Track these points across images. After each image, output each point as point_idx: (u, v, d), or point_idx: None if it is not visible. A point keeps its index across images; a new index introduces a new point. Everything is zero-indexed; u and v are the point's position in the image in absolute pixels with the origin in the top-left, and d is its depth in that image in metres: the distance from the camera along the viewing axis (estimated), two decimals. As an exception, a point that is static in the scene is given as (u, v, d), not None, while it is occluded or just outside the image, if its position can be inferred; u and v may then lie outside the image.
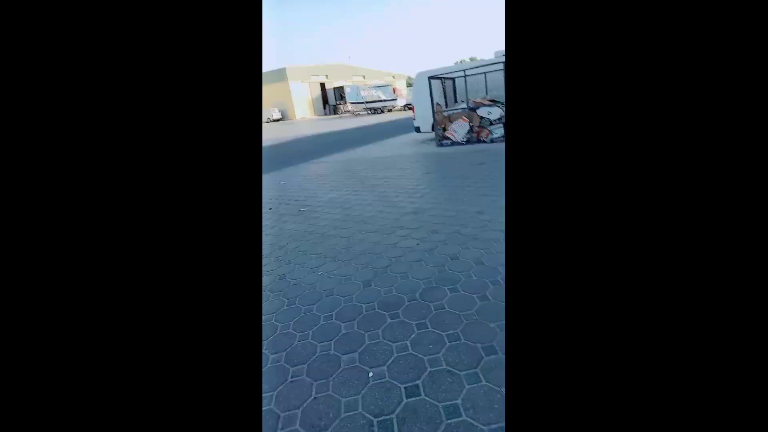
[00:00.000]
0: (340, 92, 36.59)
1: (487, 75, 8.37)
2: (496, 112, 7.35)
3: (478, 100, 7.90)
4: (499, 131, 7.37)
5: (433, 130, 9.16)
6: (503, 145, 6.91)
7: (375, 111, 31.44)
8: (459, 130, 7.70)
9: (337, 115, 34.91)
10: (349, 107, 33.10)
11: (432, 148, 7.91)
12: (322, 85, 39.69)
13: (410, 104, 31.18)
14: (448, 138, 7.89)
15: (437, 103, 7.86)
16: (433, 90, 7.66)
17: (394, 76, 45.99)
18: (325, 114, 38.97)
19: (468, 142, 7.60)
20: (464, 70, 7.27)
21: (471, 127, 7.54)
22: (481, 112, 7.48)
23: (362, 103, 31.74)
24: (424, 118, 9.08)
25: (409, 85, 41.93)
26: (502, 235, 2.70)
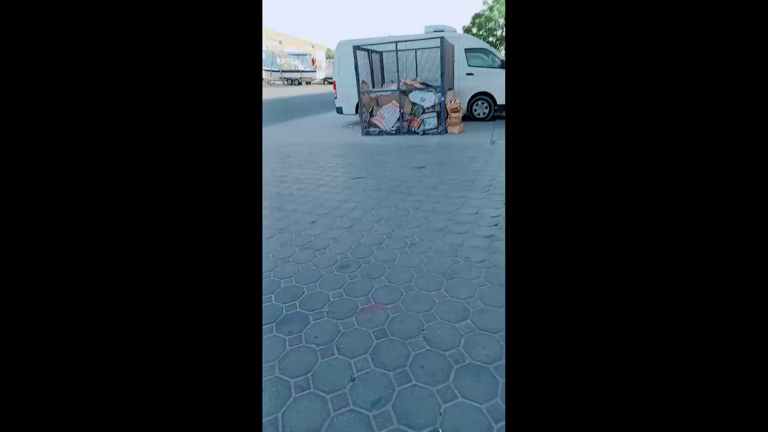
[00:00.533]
0: (252, 57, 31.77)
1: (418, 52, 6.98)
2: (430, 99, 6.06)
3: (410, 81, 6.50)
4: (431, 122, 6.12)
5: (357, 112, 7.57)
6: (438, 138, 5.69)
7: (291, 82, 28.14)
8: (389, 116, 6.26)
9: (250, 83, 30.43)
10: (264, 75, 29.08)
11: (357, 135, 6.37)
12: (232, 46, 34.03)
13: (330, 78, 28.73)
14: (375, 125, 6.40)
15: (363, 81, 6.26)
16: (359, 64, 6.02)
17: (313, 46, 42.00)
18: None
19: (398, 131, 6.23)
20: (396, 43, 5.75)
21: (401, 114, 6.15)
22: (414, 97, 6.12)
23: (278, 71, 28.03)
24: (347, 97, 7.41)
25: (329, 57, 38.68)
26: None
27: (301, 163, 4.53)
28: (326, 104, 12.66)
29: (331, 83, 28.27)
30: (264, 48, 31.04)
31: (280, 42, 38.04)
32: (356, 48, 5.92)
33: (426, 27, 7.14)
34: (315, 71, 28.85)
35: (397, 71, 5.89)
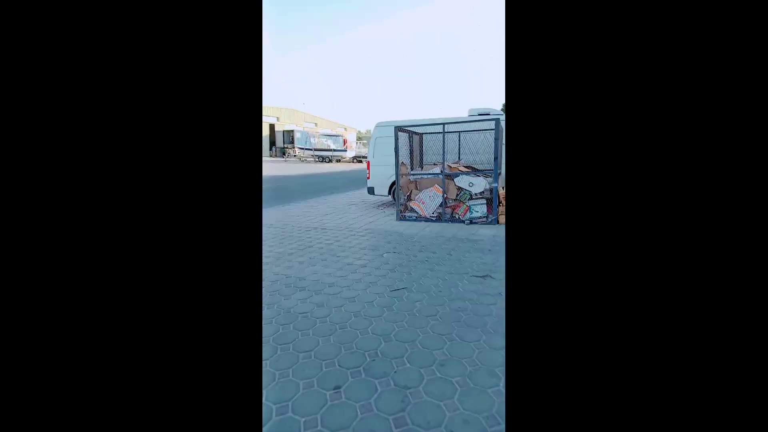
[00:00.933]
0: (290, 135, 34.08)
1: (462, 135, 6.39)
2: (480, 184, 5.20)
3: (454, 164, 5.76)
4: (480, 209, 5.18)
5: (390, 194, 6.81)
6: (489, 230, 4.66)
7: (323, 159, 29.21)
8: (429, 201, 5.39)
9: (284, 158, 32.03)
10: (297, 152, 30.54)
11: (391, 220, 5.46)
12: (272, 126, 36.99)
13: (359, 157, 29.70)
14: (413, 210, 5.52)
15: (402, 162, 5.56)
16: (400, 145, 5.37)
17: (345, 128, 44.92)
18: (271, 155, 35.86)
19: (438, 218, 5.28)
20: (444, 124, 5.11)
21: (445, 200, 5.27)
22: (461, 181, 5.29)
23: (311, 149, 29.38)
24: (381, 178, 6.73)
25: (359, 139, 40.89)
26: None
27: (324, 255, 3.54)
28: (355, 181, 12.28)
29: (359, 161, 29.20)
30: (300, 129, 33.21)
31: (316, 124, 40.95)
32: (398, 129, 5.32)
33: (470, 110, 6.64)
34: (345, 150, 30.02)
35: (443, 154, 5.15)
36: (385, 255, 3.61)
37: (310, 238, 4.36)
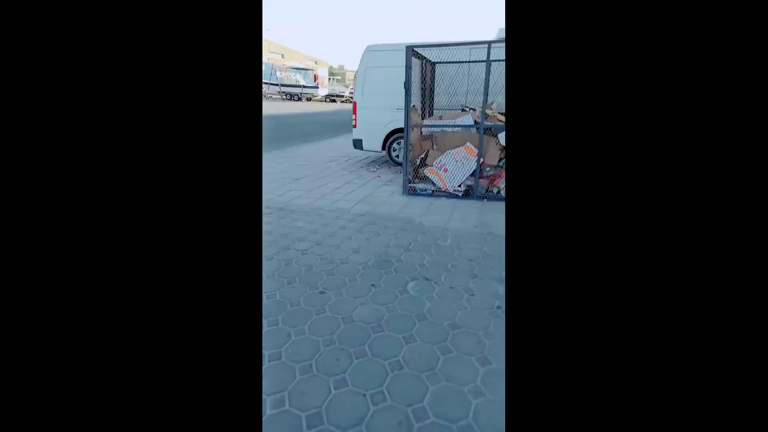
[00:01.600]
0: (251, 68, 29.41)
1: (493, 65, 4.42)
2: (534, 145, 3.42)
3: (490, 111, 3.87)
4: (528, 180, 3.45)
5: (386, 149, 4.90)
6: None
7: (291, 97, 25.68)
8: (456, 169, 3.56)
9: (246, 95, 27.90)
10: (262, 87, 26.62)
11: (394, 195, 3.64)
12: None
13: (333, 96, 26.33)
14: (427, 179, 3.70)
15: (413, 106, 3.60)
16: (413, 80, 3.36)
17: (316, 62, 40.01)
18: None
19: (467, 194, 3.54)
20: (489, 44, 3.12)
21: (479, 167, 3.48)
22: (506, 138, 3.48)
23: (276, 84, 25.59)
24: (372, 126, 4.75)
25: (332, 75, 36.61)
26: None
27: (299, 294, 1.77)
28: (331, 125, 10.05)
29: (333, 101, 25.93)
30: (264, 60, 28.75)
31: (282, 55, 35.88)
32: (411, 49, 3.27)
33: (500, 30, 4.59)
34: (317, 88, 26.45)
35: (485, 93, 3.24)
36: (410, 288, 1.89)
37: (270, 236, 2.52)
